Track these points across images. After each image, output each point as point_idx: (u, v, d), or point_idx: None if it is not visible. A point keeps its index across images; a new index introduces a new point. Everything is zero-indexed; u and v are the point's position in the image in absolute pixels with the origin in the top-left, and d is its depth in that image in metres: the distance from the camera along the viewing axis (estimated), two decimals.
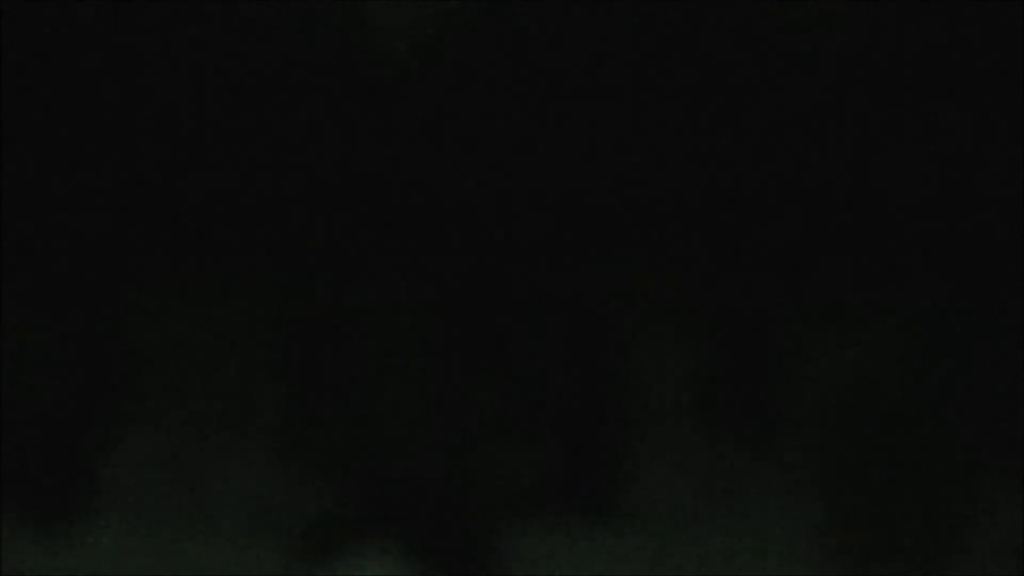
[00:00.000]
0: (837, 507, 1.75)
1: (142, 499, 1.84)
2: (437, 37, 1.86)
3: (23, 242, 1.74)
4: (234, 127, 1.91)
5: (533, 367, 1.85)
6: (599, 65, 1.97)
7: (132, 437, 1.85)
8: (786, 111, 1.97)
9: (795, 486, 1.82)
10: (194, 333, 1.87)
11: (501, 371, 1.84)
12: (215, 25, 1.88)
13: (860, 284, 1.83)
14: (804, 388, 1.90)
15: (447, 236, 1.81)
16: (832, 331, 1.85)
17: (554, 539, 1.76)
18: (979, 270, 1.95)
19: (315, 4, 1.89)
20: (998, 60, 1.82)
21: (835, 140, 1.91)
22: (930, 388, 1.77)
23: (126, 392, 1.80)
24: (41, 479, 1.78)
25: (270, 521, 1.79)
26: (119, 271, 1.92)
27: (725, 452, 1.88)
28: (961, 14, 1.81)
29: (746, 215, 1.94)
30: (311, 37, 1.91)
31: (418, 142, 1.92)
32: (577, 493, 1.79)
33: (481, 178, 1.94)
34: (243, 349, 1.84)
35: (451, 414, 1.75)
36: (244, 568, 1.72)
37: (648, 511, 1.83)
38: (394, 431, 1.76)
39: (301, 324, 1.84)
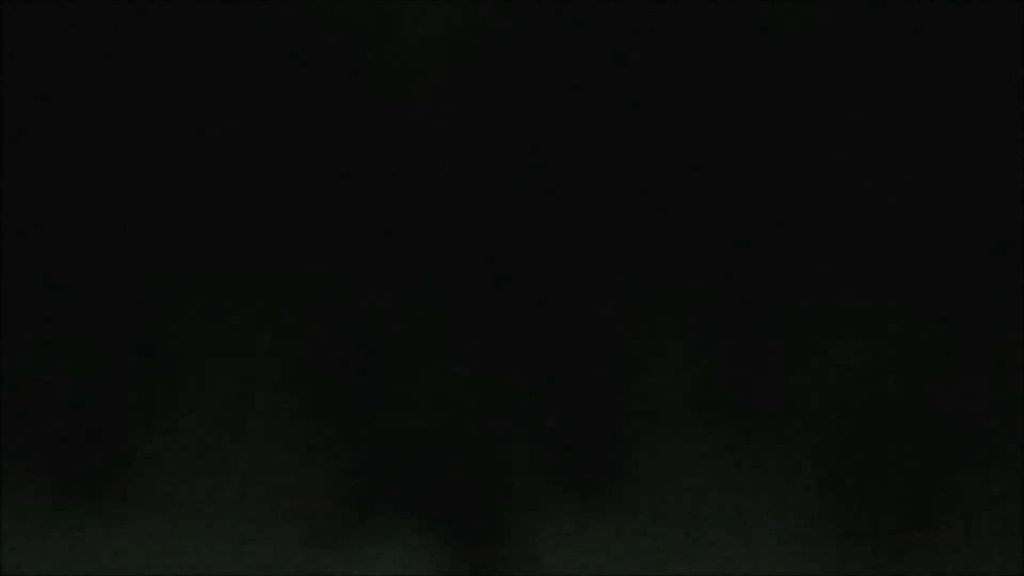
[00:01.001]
0: (833, 496, 1.91)
1: (167, 488, 1.94)
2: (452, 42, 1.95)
3: (52, 231, 1.82)
4: (252, 127, 1.99)
5: (547, 364, 1.97)
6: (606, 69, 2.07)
7: (160, 427, 1.96)
8: (794, 108, 2.08)
9: (797, 477, 1.98)
10: (224, 327, 1.97)
11: (517, 367, 1.96)
12: (234, 25, 1.94)
13: (857, 285, 1.98)
14: (805, 382, 2.06)
15: (463, 236, 1.92)
16: (830, 329, 2.01)
17: (567, 527, 1.90)
18: (973, 270, 2.10)
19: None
20: (993, 60, 1.91)
21: (836, 138, 2.04)
22: (926, 386, 1.92)
23: (155, 383, 1.90)
24: (68, 468, 1.88)
25: (293, 512, 1.91)
26: (149, 264, 2.00)
27: (729, 444, 2.03)
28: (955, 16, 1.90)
29: (754, 215, 2.06)
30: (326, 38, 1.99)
31: (433, 142, 2.02)
32: (589, 483, 1.93)
33: (490, 178, 2.04)
34: (268, 343, 1.94)
35: (468, 409, 1.87)
36: (264, 558, 1.83)
37: (657, 501, 1.98)
38: (413, 426, 1.88)
39: (324, 320, 1.94)
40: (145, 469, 2.02)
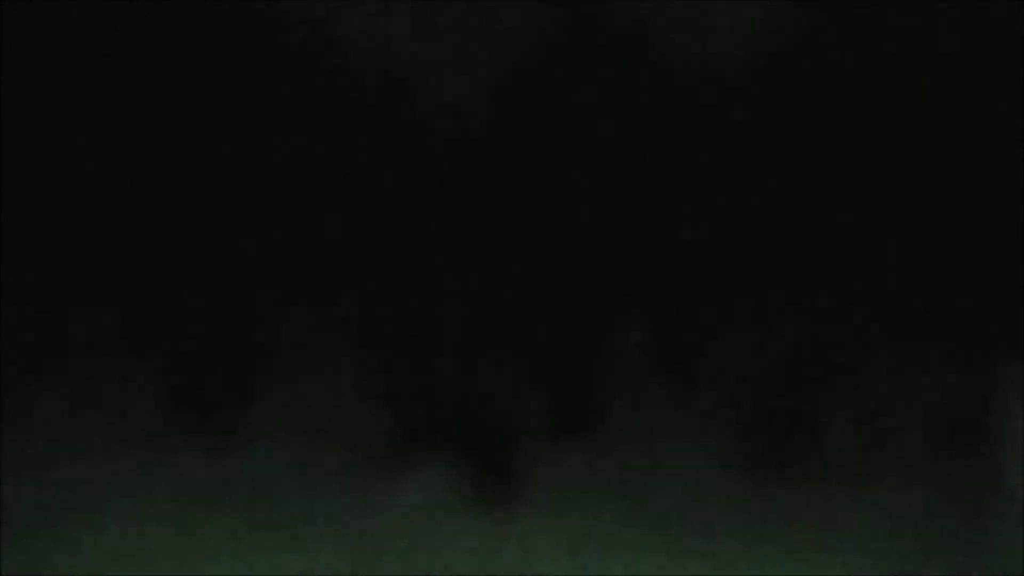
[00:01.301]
0: (736, 420, 2.60)
1: (283, 420, 2.57)
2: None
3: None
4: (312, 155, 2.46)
5: (539, 343, 2.57)
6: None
7: (278, 378, 2.59)
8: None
9: (714, 413, 2.67)
10: (325, 316, 2.58)
11: (518, 344, 2.56)
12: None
13: (753, 285, 2.59)
14: (719, 351, 2.72)
15: (480, 243, 2.46)
16: (737, 315, 2.65)
17: (553, 454, 2.55)
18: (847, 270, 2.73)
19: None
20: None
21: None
22: (796, 355, 2.58)
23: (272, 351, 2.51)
24: (211, 405, 2.49)
25: (368, 446, 2.55)
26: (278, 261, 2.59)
27: (670, 392, 2.69)
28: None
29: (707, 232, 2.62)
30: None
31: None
32: (569, 423, 2.56)
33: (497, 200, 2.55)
34: (352, 326, 2.55)
35: (484, 374, 2.47)
36: (345, 475, 2.45)
37: (618, 435, 2.64)
38: (445, 387, 2.48)
39: (385, 311, 2.52)
40: (255, 412, 2.61)
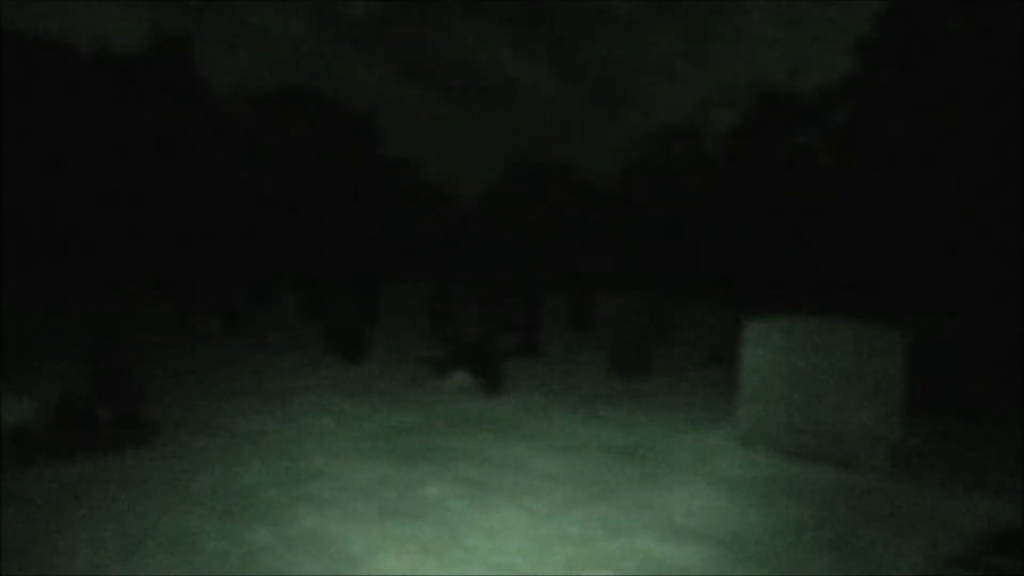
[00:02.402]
0: (608, 348, 5.10)
1: (385, 350, 4.92)
2: None
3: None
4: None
5: (509, 311, 4.99)
6: None
7: (384, 327, 4.96)
8: None
9: (597, 345, 5.19)
10: (409, 297, 4.95)
11: (499, 312, 4.98)
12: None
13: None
14: (597, 314, 5.25)
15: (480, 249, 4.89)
16: (605, 296, 5.17)
17: (516, 364, 5.00)
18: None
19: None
20: None
21: None
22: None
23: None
24: (349, 334, 4.78)
25: (428, 362, 4.92)
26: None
27: (575, 334, 5.20)
28: None
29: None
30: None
31: None
32: (526, 349, 5.01)
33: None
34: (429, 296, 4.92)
35: (483, 327, 4.87)
36: (412, 377, 4.82)
37: (550, 356, 5.14)
38: (465, 333, 4.87)
39: (437, 296, 4.86)
40: (372, 346, 4.94)
